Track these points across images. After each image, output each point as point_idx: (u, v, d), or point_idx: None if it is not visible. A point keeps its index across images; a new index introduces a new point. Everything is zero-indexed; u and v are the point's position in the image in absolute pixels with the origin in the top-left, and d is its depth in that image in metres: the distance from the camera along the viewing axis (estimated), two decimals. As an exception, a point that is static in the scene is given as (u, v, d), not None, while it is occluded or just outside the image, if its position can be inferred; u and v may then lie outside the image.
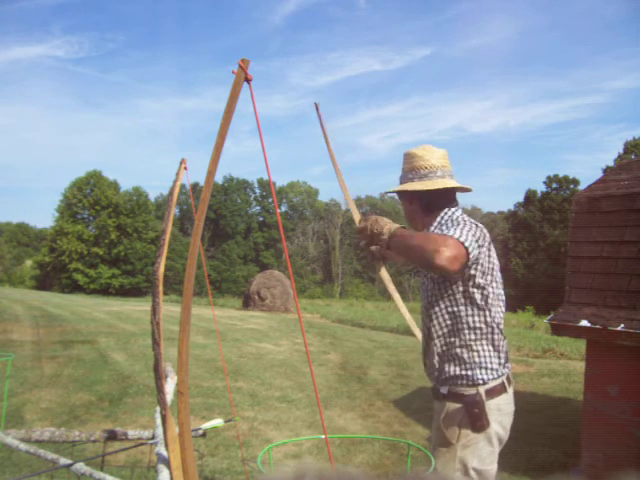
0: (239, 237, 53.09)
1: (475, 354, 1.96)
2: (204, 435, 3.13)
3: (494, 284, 1.97)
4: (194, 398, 6.27)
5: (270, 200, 55.75)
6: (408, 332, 14.43)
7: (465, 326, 1.97)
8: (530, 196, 44.61)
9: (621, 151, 38.32)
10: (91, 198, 44.78)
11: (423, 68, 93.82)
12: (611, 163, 36.94)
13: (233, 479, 4.27)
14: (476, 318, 1.97)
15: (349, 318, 18.03)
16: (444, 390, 2.01)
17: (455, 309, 1.98)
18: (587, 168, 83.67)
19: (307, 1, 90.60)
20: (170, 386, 2.80)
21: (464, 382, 1.97)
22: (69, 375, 7.29)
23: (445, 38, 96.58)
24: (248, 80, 1.37)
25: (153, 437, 2.71)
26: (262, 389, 7.16)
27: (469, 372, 1.96)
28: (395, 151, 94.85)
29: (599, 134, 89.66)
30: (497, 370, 1.98)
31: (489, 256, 1.97)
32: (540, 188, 44.70)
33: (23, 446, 2.50)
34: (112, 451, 3.06)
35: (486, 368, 1.97)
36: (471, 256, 1.80)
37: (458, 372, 1.97)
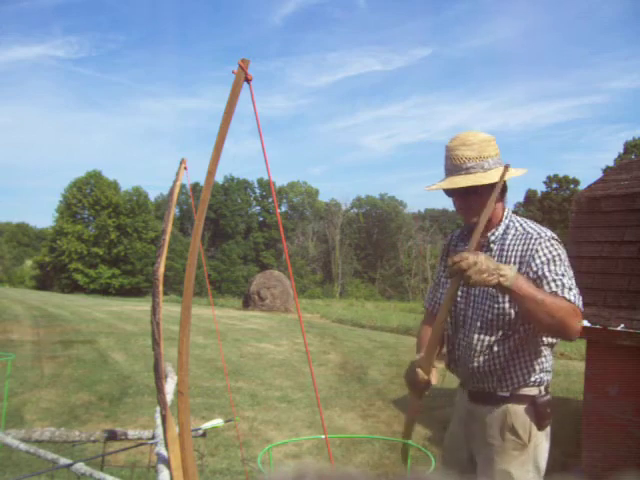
0: (239, 237, 53.09)
1: (543, 359, 1.99)
2: (204, 435, 3.12)
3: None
4: (194, 398, 6.27)
5: (270, 200, 55.74)
6: (408, 332, 14.42)
7: (538, 337, 1.99)
8: (530, 196, 44.65)
9: (621, 151, 38.34)
10: (91, 198, 44.76)
11: (423, 68, 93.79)
12: (611, 163, 36.94)
13: (233, 479, 4.27)
14: None
15: (349, 318, 18.04)
16: (505, 393, 1.98)
17: (527, 325, 1.96)
18: (587, 168, 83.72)
19: (307, 1, 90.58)
20: (170, 386, 2.80)
21: (530, 384, 1.97)
22: (69, 375, 7.29)
23: (445, 38, 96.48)
24: (248, 80, 1.37)
25: (153, 437, 2.71)
26: (262, 389, 7.17)
27: (537, 376, 1.98)
28: (395, 151, 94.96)
29: (599, 134, 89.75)
30: (550, 371, 2.04)
31: None
32: (540, 188, 44.80)
33: (23, 446, 2.50)
34: (112, 451, 3.06)
35: (548, 371, 2.01)
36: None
37: (527, 378, 1.97)
